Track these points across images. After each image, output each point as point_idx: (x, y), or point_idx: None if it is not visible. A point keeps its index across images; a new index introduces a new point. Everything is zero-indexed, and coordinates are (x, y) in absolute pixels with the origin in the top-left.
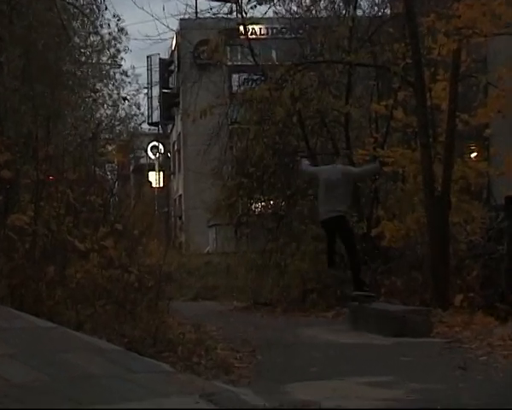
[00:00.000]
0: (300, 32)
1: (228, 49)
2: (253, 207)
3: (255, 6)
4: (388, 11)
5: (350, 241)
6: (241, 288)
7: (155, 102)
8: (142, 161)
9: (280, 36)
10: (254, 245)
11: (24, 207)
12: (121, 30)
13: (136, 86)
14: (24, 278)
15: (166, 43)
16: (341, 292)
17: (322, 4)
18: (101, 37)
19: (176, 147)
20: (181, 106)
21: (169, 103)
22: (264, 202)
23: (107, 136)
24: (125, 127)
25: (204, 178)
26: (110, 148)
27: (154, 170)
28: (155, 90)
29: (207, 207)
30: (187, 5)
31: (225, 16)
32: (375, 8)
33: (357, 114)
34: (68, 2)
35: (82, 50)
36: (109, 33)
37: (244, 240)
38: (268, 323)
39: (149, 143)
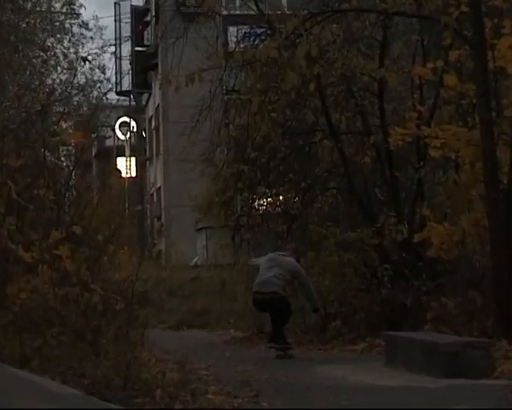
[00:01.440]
0: None
1: None
2: (255, 204)
3: None
4: None
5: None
6: (241, 312)
7: (126, 65)
8: (109, 142)
9: None
10: (258, 255)
11: None
12: None
13: (101, 43)
14: None
15: None
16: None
17: None
18: None
19: (153, 124)
20: (160, 69)
21: (144, 66)
22: (270, 197)
23: (61, 109)
24: (86, 98)
25: (191, 165)
26: (65, 125)
27: (123, 155)
28: (126, 49)
29: (195, 204)
30: None
31: None
32: None
33: (396, 80)
34: None
35: None
36: None
37: (244, 248)
38: (276, 358)
39: (118, 120)
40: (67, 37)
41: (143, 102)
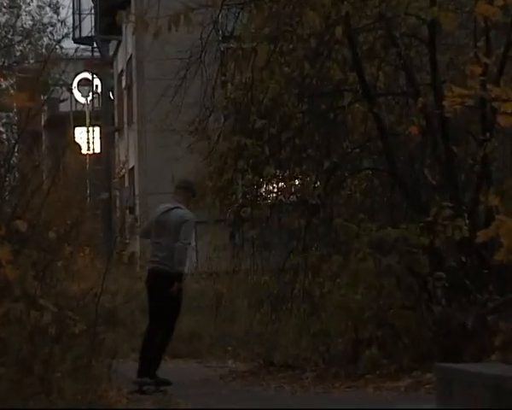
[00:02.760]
0: None
1: None
2: (262, 190)
3: None
4: None
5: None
6: (242, 337)
7: (87, 2)
8: (64, 107)
9: None
10: (266, 260)
11: None
12: None
13: None
14: None
15: None
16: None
17: None
18: None
19: (124, 82)
20: (133, 8)
21: (111, 3)
22: (282, 181)
23: None
24: (33, 46)
25: (175, 138)
26: (5, 84)
27: (83, 124)
28: None
29: None
30: None
31: None
32: None
33: (452, 21)
34: None
35: None
36: None
37: (247, 250)
38: (290, 401)
39: (76, 76)
40: None
41: (110, 53)
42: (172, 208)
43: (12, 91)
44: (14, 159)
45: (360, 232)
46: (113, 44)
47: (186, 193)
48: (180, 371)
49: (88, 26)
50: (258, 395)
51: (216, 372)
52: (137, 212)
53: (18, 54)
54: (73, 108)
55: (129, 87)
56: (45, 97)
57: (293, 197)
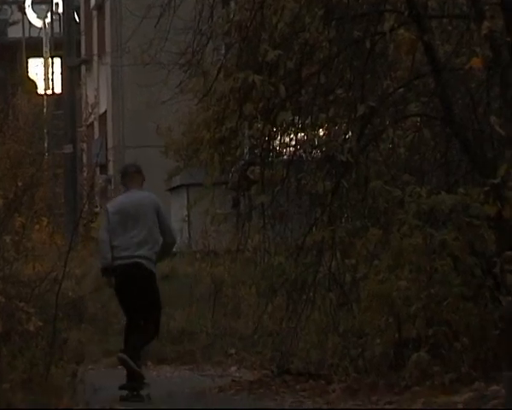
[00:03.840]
0: None
1: None
2: (276, 142)
3: None
4: None
5: (156, 309)
6: (249, 337)
7: None
8: (14, 32)
9: None
10: (280, 235)
11: None
12: None
13: None
14: None
15: None
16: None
17: None
18: None
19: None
20: None
21: None
22: (303, 131)
23: None
24: None
25: (160, 73)
26: None
27: (40, 54)
28: None
29: (168, 142)
30: None
31: None
32: None
33: None
34: None
35: None
36: None
37: (256, 222)
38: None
39: None
40: None
41: None
42: (136, 195)
43: None
44: None
45: (405, 199)
46: None
47: (139, 177)
48: (166, 382)
49: None
50: None
51: (214, 383)
52: (111, 171)
53: None
54: (26, 34)
55: (100, 6)
56: None
57: (316, 153)
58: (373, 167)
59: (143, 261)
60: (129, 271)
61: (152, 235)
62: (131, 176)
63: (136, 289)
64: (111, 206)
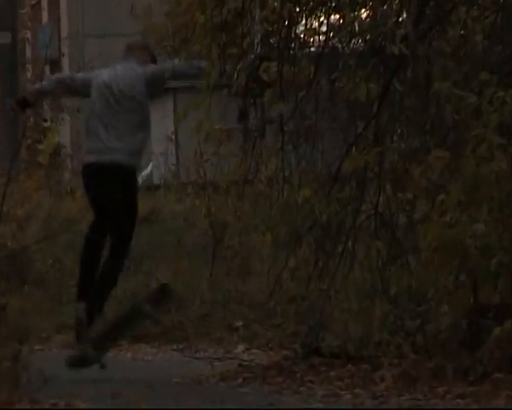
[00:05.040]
0: None
1: None
2: (300, 28)
3: None
4: None
5: (128, 225)
6: (262, 304)
7: None
8: None
9: None
10: (306, 160)
11: None
12: None
13: None
14: None
15: None
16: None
17: None
18: None
19: None
20: None
21: None
22: (337, 12)
23: None
24: None
25: None
26: None
27: None
28: None
29: (147, 28)
30: None
31: None
32: None
33: None
34: None
35: None
36: None
37: (271, 141)
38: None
39: None
40: None
41: None
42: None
43: None
44: None
45: (483, 107)
46: None
47: (145, 53)
48: (145, 367)
49: None
50: None
51: (213, 369)
52: (66, 69)
53: None
54: None
55: None
56: None
57: (357, 43)
58: (437, 63)
59: (122, 158)
60: (101, 172)
61: (138, 119)
62: (133, 50)
63: (107, 194)
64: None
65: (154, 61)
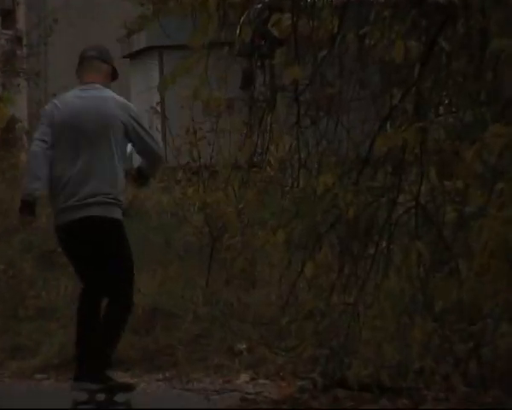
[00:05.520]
0: None
1: None
2: None
3: None
4: None
5: (126, 274)
6: (272, 320)
7: None
8: None
9: None
10: (328, 137)
11: None
12: None
13: None
14: None
15: None
16: None
17: None
18: None
19: None
20: None
21: None
22: None
23: None
24: None
25: None
26: None
27: None
28: None
29: None
30: None
31: None
32: None
33: None
34: None
35: None
36: None
37: (283, 116)
38: None
39: None
40: None
41: None
42: (96, 95)
43: None
44: None
45: None
46: None
47: (103, 67)
48: (124, 403)
49: None
50: None
51: (209, 404)
52: (21, 24)
53: None
54: None
55: None
56: None
57: None
58: (494, 15)
59: (103, 210)
60: (81, 230)
61: (116, 162)
62: (89, 63)
63: (92, 250)
64: (58, 103)
65: (115, 73)
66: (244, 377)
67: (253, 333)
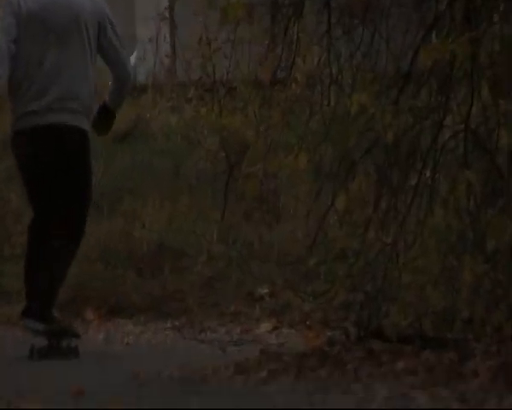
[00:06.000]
0: None
1: None
2: None
3: None
4: None
5: (84, 195)
6: (297, 260)
7: None
8: None
9: None
10: (364, 49)
11: None
12: None
13: None
14: None
15: None
16: None
17: None
18: None
19: None
20: None
21: None
22: None
23: None
24: None
25: None
26: None
27: None
28: None
29: None
30: None
31: None
32: None
33: None
34: None
35: None
36: None
37: (312, 23)
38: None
39: None
40: None
41: None
42: None
43: None
44: None
45: None
46: None
47: None
48: (127, 352)
49: None
50: None
51: (225, 357)
52: None
53: None
54: None
55: None
56: None
57: None
58: None
59: (70, 118)
60: (43, 138)
61: (88, 63)
62: None
63: (57, 167)
64: None
65: None
66: (265, 326)
67: (276, 276)
